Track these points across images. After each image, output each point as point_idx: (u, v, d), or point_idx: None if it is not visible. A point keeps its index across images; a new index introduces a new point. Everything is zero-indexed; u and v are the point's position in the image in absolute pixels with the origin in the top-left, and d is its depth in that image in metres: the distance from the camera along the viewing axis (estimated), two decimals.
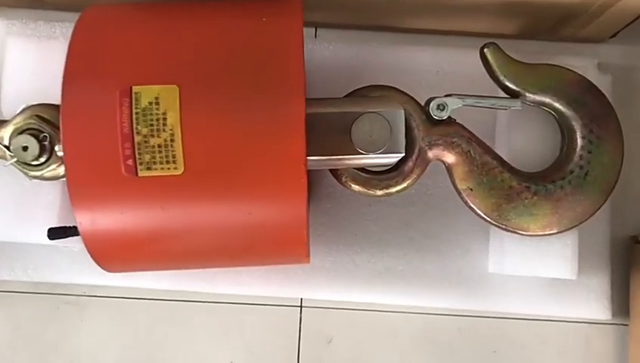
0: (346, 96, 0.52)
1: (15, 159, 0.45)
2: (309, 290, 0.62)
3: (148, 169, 0.41)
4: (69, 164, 0.41)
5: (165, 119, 0.41)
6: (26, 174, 0.48)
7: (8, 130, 0.46)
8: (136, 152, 0.41)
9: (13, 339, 0.63)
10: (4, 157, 0.47)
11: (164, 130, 0.41)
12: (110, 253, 0.45)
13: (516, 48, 0.55)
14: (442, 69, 0.61)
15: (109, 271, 0.48)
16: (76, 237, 0.54)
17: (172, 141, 0.41)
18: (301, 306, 0.63)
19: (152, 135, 0.41)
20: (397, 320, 0.63)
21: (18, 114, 0.47)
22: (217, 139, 0.41)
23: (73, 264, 0.61)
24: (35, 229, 0.55)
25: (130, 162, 0.41)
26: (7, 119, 0.49)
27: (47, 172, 0.47)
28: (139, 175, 0.41)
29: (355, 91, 0.52)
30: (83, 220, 0.42)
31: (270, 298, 0.63)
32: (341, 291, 0.61)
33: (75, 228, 0.52)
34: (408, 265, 0.60)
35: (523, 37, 0.64)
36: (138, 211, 0.42)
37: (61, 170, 0.47)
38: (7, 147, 0.45)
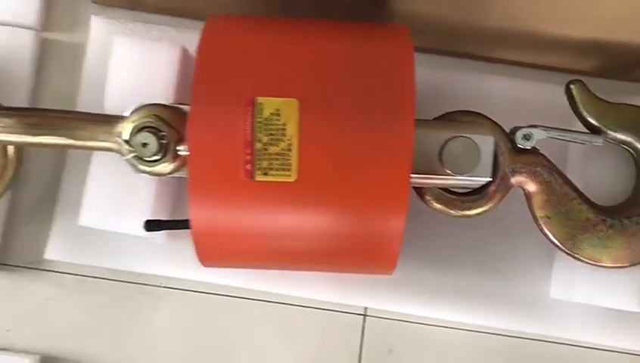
0: (436, 119, 0.55)
1: (133, 155, 0.48)
2: (375, 300, 0.64)
3: (264, 174, 0.44)
4: (194, 164, 0.44)
5: (284, 129, 0.44)
6: (134, 167, 0.51)
7: (127, 126, 0.49)
8: (255, 158, 0.44)
9: (86, 323, 0.66)
10: (119, 151, 0.50)
11: (283, 140, 0.44)
12: (215, 250, 0.48)
13: (590, 85, 0.57)
14: (518, 100, 0.64)
15: (206, 266, 0.51)
16: (164, 231, 0.57)
17: (289, 150, 0.44)
18: (365, 315, 0.66)
19: (271, 144, 0.44)
20: (457, 336, 0.65)
21: (134, 112, 0.50)
22: (330, 151, 0.44)
23: (154, 255, 0.64)
24: (129, 220, 0.58)
25: (249, 166, 0.44)
26: (115, 114, 0.53)
27: (157, 168, 0.50)
28: (256, 179, 0.44)
29: (444, 114, 0.55)
30: (197, 216, 0.45)
31: (335, 304, 0.65)
32: (406, 304, 0.64)
33: (171, 221, 0.55)
34: (475, 285, 0.62)
35: (597, 75, 0.67)
36: (250, 213, 0.45)
37: (169, 168, 0.50)
38: (127, 142, 0.48)
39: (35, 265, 0.66)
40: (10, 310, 0.66)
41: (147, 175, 0.53)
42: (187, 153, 0.45)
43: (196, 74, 0.45)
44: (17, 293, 0.66)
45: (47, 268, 0.66)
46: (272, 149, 0.44)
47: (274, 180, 0.44)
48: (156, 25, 0.66)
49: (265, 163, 0.44)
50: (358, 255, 0.49)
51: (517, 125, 0.55)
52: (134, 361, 0.66)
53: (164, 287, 0.66)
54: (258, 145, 0.44)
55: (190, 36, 0.63)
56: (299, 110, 0.44)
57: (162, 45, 0.60)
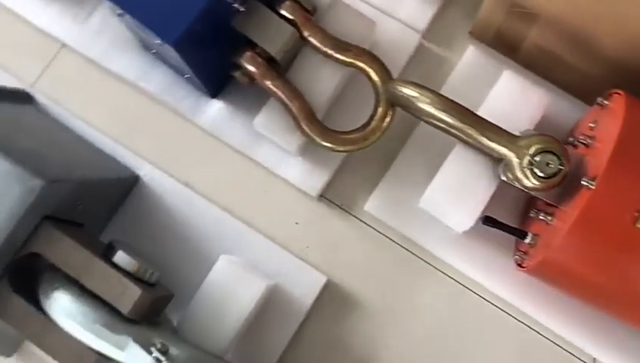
0: None
1: (529, 167, 0.62)
2: (605, 354, 0.75)
3: None
4: (594, 197, 0.58)
5: None
6: (508, 174, 0.65)
7: (534, 145, 0.63)
8: None
9: (367, 268, 0.80)
10: (509, 158, 0.64)
11: None
12: (557, 266, 0.61)
13: None
14: None
15: (525, 272, 0.64)
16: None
17: None
18: None
19: None
20: None
21: (535, 136, 0.64)
22: None
23: (446, 242, 0.77)
24: (457, 215, 0.71)
25: (637, 214, 0.57)
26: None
27: (533, 183, 0.63)
28: (637, 225, 0.57)
29: None
30: (570, 234, 0.59)
31: (568, 343, 0.76)
32: None
33: (506, 225, 0.69)
34: None
35: None
36: (617, 249, 0.58)
37: (539, 186, 0.63)
38: (532, 156, 0.62)
39: (347, 209, 0.82)
40: (314, 233, 0.81)
41: (503, 182, 0.67)
42: (591, 186, 0.58)
43: (620, 135, 0.58)
44: (324, 223, 0.81)
45: (354, 214, 0.81)
46: None
47: None
48: (519, 75, 0.80)
49: None
50: None
51: None
52: (389, 312, 0.78)
53: (438, 270, 0.79)
54: None
55: (546, 93, 0.78)
56: None
57: (538, 93, 0.74)
